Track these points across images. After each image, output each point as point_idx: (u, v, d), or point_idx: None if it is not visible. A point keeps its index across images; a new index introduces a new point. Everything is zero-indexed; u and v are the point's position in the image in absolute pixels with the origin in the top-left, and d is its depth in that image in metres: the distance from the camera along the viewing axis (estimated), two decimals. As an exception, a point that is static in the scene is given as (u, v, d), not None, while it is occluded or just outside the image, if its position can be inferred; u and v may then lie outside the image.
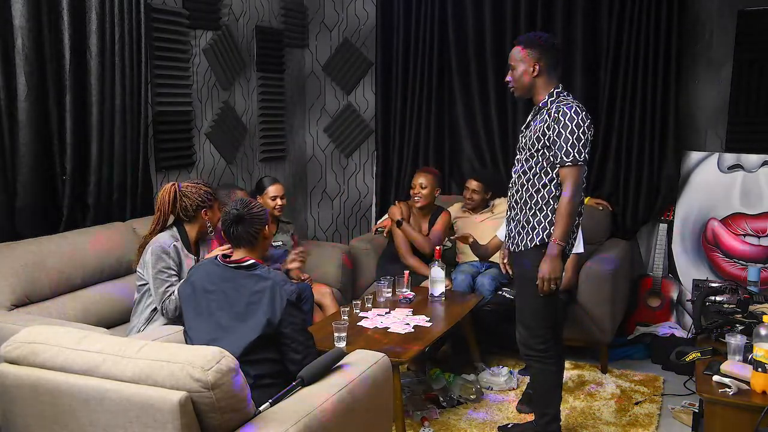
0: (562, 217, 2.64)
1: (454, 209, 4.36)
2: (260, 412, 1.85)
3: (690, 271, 4.34)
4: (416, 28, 4.79)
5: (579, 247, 3.73)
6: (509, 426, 3.15)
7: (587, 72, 4.37)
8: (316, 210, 5.53)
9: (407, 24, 4.81)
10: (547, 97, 2.75)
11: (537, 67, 2.73)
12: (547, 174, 2.71)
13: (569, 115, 2.63)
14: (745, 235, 4.18)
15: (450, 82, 4.78)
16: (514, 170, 2.86)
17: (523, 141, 2.81)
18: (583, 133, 2.64)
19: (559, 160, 2.65)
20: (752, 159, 4.14)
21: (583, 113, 2.67)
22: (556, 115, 2.65)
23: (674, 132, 4.23)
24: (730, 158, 4.20)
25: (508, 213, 2.88)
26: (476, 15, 4.60)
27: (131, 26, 3.49)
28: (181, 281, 2.87)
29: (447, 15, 4.70)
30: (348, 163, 5.38)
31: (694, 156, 4.30)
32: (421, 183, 4.09)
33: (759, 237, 4.15)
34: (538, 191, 2.73)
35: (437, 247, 3.78)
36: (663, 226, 4.35)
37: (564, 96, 2.74)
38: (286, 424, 1.79)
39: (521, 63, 2.76)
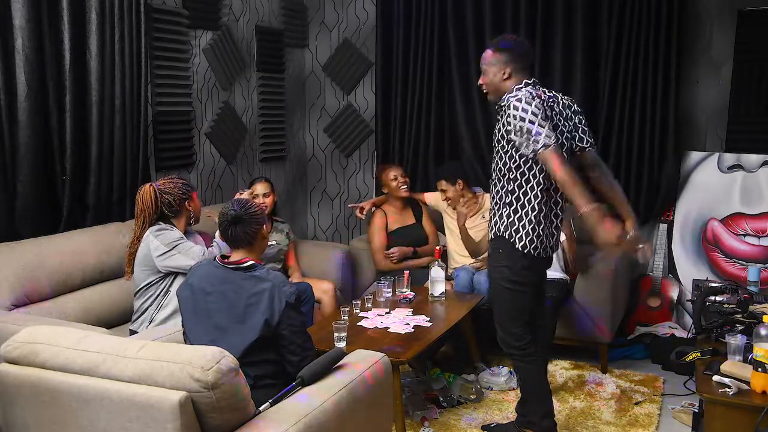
0: (567, 190, 2.57)
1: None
2: (260, 412, 1.85)
3: (690, 271, 4.34)
4: (416, 28, 4.79)
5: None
6: (492, 426, 3.17)
7: (587, 72, 4.37)
8: (316, 210, 5.53)
9: (407, 24, 4.81)
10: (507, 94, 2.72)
11: (507, 70, 2.74)
12: (510, 170, 2.72)
13: (512, 106, 2.60)
14: (745, 235, 4.19)
15: (450, 81, 4.78)
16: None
17: (493, 139, 2.83)
18: (531, 121, 2.55)
19: (524, 153, 2.63)
20: (752, 159, 4.14)
21: (524, 101, 2.58)
22: (505, 114, 2.64)
23: (674, 132, 4.24)
24: (730, 158, 4.20)
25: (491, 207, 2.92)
26: (476, 15, 4.60)
27: (131, 26, 3.49)
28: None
29: (447, 15, 4.70)
30: (348, 163, 5.38)
31: (694, 156, 4.30)
32: (401, 173, 4.29)
33: (759, 237, 4.15)
34: (503, 187, 2.76)
35: (437, 247, 3.79)
36: (663, 226, 4.35)
37: (517, 89, 2.69)
38: (286, 424, 1.79)
39: (492, 66, 2.77)
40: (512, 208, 2.74)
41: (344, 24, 5.21)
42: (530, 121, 2.56)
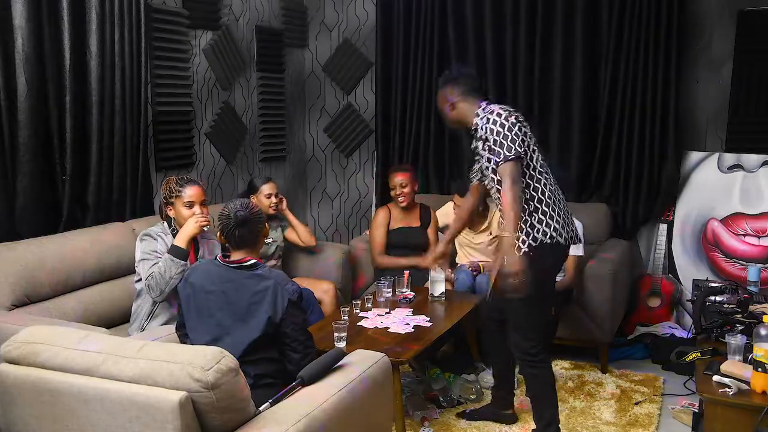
0: (506, 210, 2.68)
1: (447, 210, 4.29)
2: (260, 412, 1.85)
3: (690, 271, 4.34)
4: (416, 28, 4.80)
5: (579, 250, 3.74)
6: (468, 411, 3.28)
7: (587, 72, 4.37)
8: (316, 210, 5.53)
9: (407, 24, 4.82)
10: (474, 117, 2.85)
11: (451, 100, 2.88)
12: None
13: (491, 120, 2.74)
14: (745, 235, 4.18)
15: (450, 82, 4.78)
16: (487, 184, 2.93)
17: (478, 166, 2.94)
18: (509, 130, 2.69)
19: (493, 163, 2.74)
20: (752, 159, 4.14)
21: (505, 113, 2.74)
22: (482, 131, 2.78)
23: (674, 132, 4.24)
24: (730, 158, 4.20)
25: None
26: (476, 15, 4.60)
27: (131, 26, 3.49)
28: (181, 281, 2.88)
29: (447, 15, 4.70)
30: (348, 163, 5.38)
31: (694, 156, 4.30)
32: (401, 182, 4.08)
33: (759, 237, 4.15)
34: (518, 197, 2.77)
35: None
36: (663, 226, 4.35)
37: (485, 108, 2.83)
38: (286, 424, 1.79)
39: (442, 104, 2.94)
40: (536, 214, 2.76)
41: (344, 24, 5.21)
42: (509, 129, 2.69)
